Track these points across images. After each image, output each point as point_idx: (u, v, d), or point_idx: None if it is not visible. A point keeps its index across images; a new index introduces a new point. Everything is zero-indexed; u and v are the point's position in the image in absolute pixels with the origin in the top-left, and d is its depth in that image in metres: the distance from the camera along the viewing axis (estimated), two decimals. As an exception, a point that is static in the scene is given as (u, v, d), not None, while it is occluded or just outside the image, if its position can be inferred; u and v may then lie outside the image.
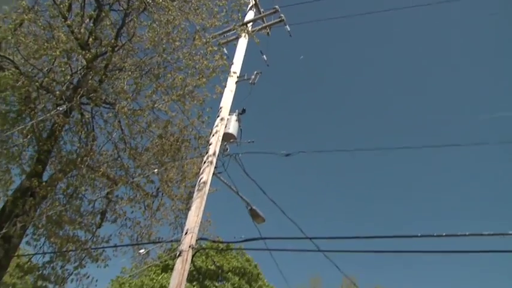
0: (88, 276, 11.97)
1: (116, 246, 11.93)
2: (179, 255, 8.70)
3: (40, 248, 11.91)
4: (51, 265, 11.85)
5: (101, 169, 11.60)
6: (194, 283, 24.00)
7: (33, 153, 11.78)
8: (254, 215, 10.79)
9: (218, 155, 10.44)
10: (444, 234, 7.85)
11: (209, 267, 25.21)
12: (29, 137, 11.10)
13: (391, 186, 68.99)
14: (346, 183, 72.38)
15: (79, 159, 11.28)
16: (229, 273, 25.57)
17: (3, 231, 10.37)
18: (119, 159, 12.03)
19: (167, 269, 24.56)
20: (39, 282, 11.97)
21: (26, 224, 10.76)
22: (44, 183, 11.08)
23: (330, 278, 57.51)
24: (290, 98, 68.83)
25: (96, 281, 12.10)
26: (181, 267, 8.56)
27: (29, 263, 12.03)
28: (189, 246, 8.80)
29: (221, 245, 18.00)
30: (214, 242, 11.84)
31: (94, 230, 12.14)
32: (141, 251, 11.69)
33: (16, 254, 11.80)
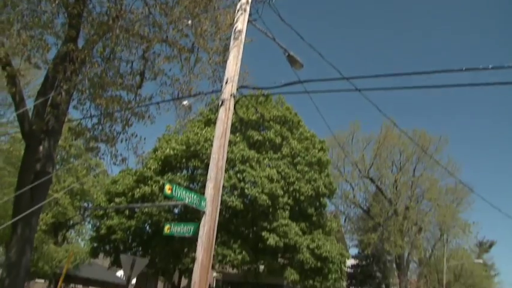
0: (136, 135, 12.43)
1: (158, 102, 12.18)
2: (221, 104, 8.89)
3: (87, 111, 12.28)
4: (100, 126, 12.27)
5: (134, 28, 11.47)
6: (237, 134, 24.76)
7: (65, 20, 11.69)
8: (292, 61, 10.72)
9: (251, 2, 10.14)
10: (490, 67, 7.67)
11: (251, 117, 25.77)
12: (57, 2, 10.90)
13: (432, 22, 66.66)
14: (386, 22, 70.30)
15: (111, 20, 11.14)
16: (270, 122, 26.15)
17: (50, 95, 10.71)
18: (151, 16, 11.77)
19: (210, 123, 25.32)
20: (91, 143, 12.52)
21: (70, 89, 11.04)
22: (80, 48, 11.16)
23: (368, 122, 58.77)
24: None
25: (145, 139, 12.60)
26: (225, 116, 8.80)
27: (79, 126, 12.45)
28: (231, 95, 8.96)
29: (262, 92, 18.24)
30: (254, 88, 11.95)
31: (135, 90, 12.32)
32: (185, 102, 11.90)
33: (66, 119, 12.27)
